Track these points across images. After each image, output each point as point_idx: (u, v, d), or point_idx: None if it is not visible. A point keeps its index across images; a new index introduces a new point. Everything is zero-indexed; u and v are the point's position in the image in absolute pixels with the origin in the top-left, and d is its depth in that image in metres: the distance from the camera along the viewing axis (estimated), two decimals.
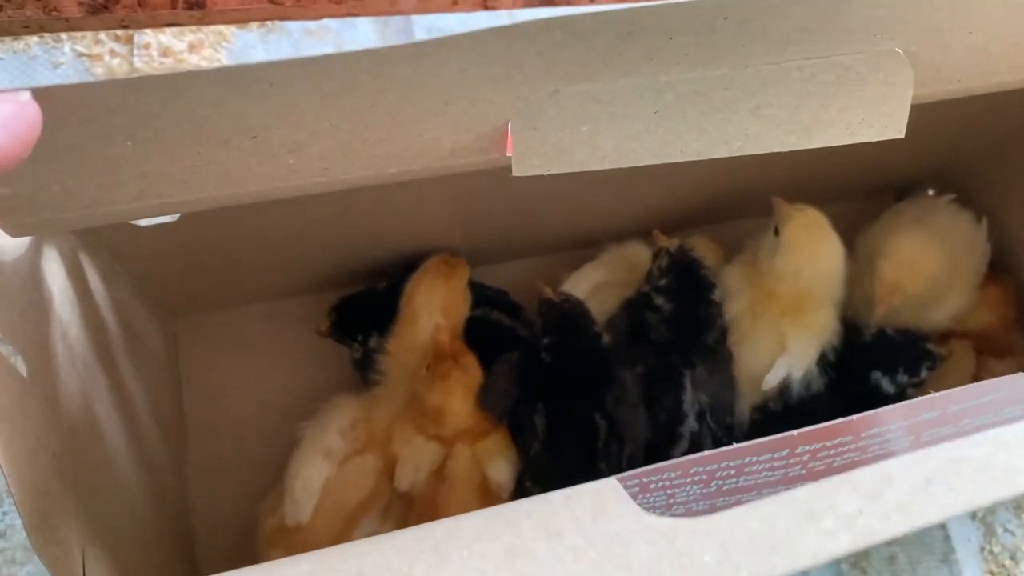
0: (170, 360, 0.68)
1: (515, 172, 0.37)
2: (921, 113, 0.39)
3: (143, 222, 0.52)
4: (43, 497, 0.41)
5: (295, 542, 0.58)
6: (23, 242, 0.43)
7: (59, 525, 0.42)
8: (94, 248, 0.54)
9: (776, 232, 0.65)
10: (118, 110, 0.31)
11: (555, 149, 0.37)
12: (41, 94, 0.31)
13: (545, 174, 0.38)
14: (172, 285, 0.65)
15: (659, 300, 0.62)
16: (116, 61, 0.76)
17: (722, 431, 0.62)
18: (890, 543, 0.69)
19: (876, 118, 0.38)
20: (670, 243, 0.66)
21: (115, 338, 0.56)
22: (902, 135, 0.39)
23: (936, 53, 0.38)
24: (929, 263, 0.65)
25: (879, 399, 0.64)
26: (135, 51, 0.77)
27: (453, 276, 0.64)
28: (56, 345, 0.46)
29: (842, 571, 0.67)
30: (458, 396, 0.59)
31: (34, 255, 0.45)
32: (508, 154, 0.38)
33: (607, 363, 0.60)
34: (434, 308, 0.63)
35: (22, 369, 0.41)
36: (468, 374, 0.60)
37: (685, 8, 0.32)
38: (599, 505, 0.31)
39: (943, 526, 0.69)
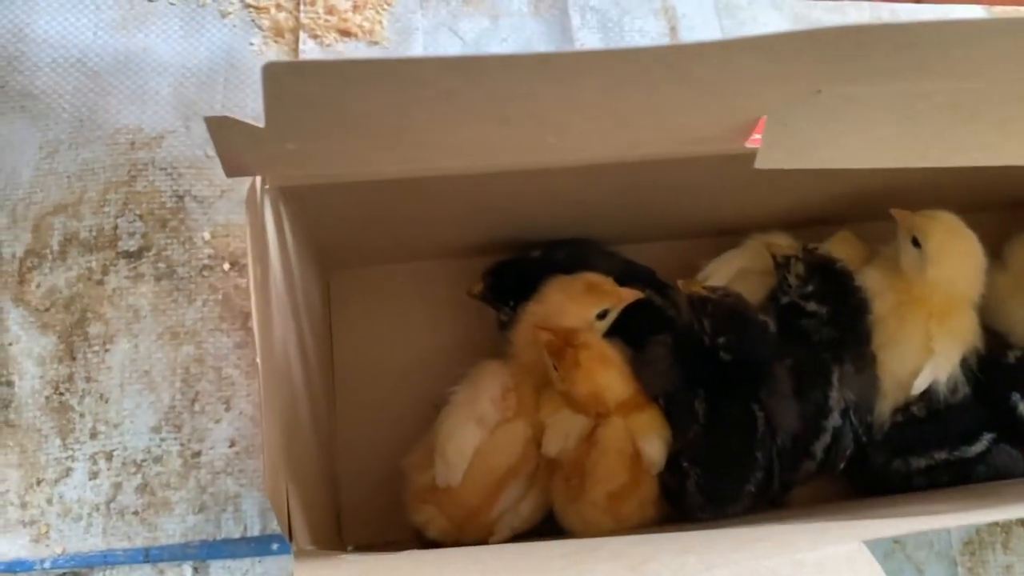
0: (324, 310, 0.71)
1: (758, 164, 0.39)
2: None
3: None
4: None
5: (445, 501, 0.61)
6: (256, 190, 0.46)
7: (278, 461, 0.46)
8: (288, 200, 0.57)
9: (916, 244, 0.65)
10: (428, 85, 0.33)
11: (801, 144, 0.38)
12: (361, 65, 0.33)
13: (787, 168, 0.39)
14: (336, 238, 0.67)
15: (811, 306, 0.63)
16: (282, 15, 0.79)
17: (863, 428, 0.63)
18: None
19: None
20: (784, 249, 0.67)
21: (297, 287, 0.59)
22: None
23: None
24: None
25: (1014, 421, 0.65)
26: (301, 7, 0.79)
27: (582, 300, 0.64)
28: (272, 289, 0.49)
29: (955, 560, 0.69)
30: (599, 371, 0.60)
31: (261, 203, 0.48)
32: (748, 145, 0.39)
33: (773, 353, 0.61)
34: (548, 317, 0.63)
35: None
36: (593, 348, 0.61)
37: (967, 24, 0.33)
38: None
39: None
